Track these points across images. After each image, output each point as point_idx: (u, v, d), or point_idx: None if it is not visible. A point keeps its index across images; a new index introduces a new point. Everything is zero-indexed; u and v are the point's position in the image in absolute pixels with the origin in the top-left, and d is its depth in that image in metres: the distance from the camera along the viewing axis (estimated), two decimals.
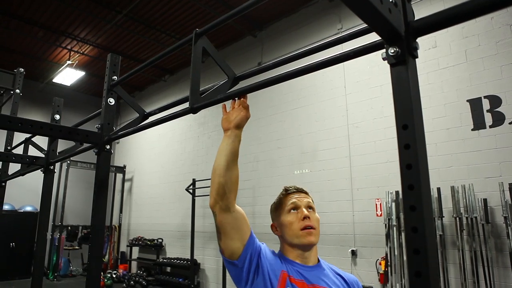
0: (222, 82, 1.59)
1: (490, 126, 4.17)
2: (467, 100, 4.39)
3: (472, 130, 4.30)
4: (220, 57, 1.60)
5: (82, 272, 9.36)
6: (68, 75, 8.87)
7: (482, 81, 4.31)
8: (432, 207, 0.90)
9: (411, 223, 0.85)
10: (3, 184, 4.09)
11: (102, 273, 7.68)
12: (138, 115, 2.24)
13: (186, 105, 1.58)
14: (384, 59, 1.04)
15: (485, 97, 4.25)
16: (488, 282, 3.79)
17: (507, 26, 4.25)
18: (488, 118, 4.20)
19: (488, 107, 4.21)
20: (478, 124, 4.26)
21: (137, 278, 8.11)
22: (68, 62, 8.28)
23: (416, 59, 1.00)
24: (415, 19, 1.01)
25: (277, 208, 1.36)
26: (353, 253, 5.08)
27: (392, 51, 0.99)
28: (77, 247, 9.65)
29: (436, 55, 4.73)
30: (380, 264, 4.66)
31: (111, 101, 2.28)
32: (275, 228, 1.36)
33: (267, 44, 7.20)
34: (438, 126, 4.51)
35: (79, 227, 9.77)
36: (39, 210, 3.18)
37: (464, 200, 4.10)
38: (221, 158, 1.25)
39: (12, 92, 4.16)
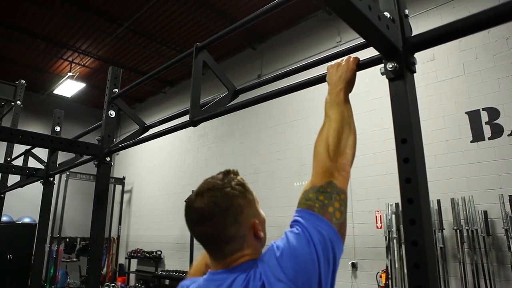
0: (223, 95, 1.61)
1: (489, 138, 4.18)
2: (466, 112, 4.41)
3: (471, 142, 4.31)
4: (220, 70, 1.62)
5: (80, 284, 9.25)
6: (69, 87, 8.92)
7: (480, 93, 4.34)
8: (432, 220, 0.90)
9: (411, 237, 0.85)
10: (2, 195, 4.08)
11: (100, 286, 7.60)
12: (138, 127, 2.26)
13: (186, 117, 1.59)
14: (382, 73, 1.06)
15: (483, 109, 4.28)
16: None
17: (504, 40, 4.30)
18: (487, 130, 4.21)
19: (487, 119, 4.23)
20: (477, 136, 4.27)
21: None
22: (69, 74, 8.33)
23: (414, 73, 1.02)
24: (413, 34, 1.03)
25: (252, 198, 0.98)
26: (354, 265, 5.04)
27: (390, 66, 1.01)
28: (75, 259, 9.56)
29: (434, 67, 4.77)
30: (380, 277, 4.61)
31: (112, 113, 2.30)
32: (258, 228, 0.94)
33: (267, 57, 7.27)
34: (437, 138, 4.53)
35: (77, 239, 9.69)
36: (37, 221, 3.16)
37: (464, 212, 4.09)
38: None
39: (13, 103, 4.18)
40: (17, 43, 7.58)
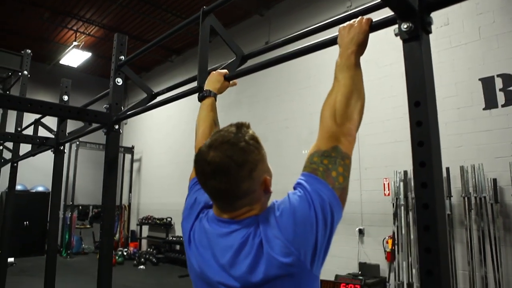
0: (231, 60, 1.58)
1: (502, 106, 4.09)
2: (479, 79, 4.30)
3: (484, 109, 4.23)
4: (228, 36, 1.58)
5: (94, 249, 9.60)
6: (75, 57, 8.87)
7: (495, 59, 4.21)
8: (443, 184, 0.90)
9: (422, 200, 0.85)
10: (15, 164, 4.17)
11: (113, 251, 7.88)
12: (145, 95, 2.25)
13: (194, 84, 1.57)
14: (396, 35, 1.02)
15: (498, 75, 4.16)
16: (495, 260, 3.80)
17: None
18: (501, 97, 4.12)
19: (501, 86, 4.12)
20: (490, 103, 4.18)
21: (147, 256, 8.31)
22: (75, 43, 8.25)
23: (430, 33, 0.98)
24: None
25: (265, 153, 0.97)
26: (361, 231, 5.12)
27: (405, 26, 0.97)
28: (88, 226, 9.88)
29: (448, 32, 4.61)
30: (387, 242, 4.69)
31: (119, 81, 2.28)
32: (269, 184, 0.95)
33: (275, 23, 7.08)
34: (448, 105, 4.44)
35: (89, 206, 9.97)
36: (50, 190, 3.24)
37: (473, 180, 4.08)
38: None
39: (20, 74, 4.18)
40: (21, 13, 7.47)
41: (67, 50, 8.61)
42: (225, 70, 1.47)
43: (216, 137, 0.93)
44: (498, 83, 4.14)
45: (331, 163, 0.89)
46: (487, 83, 4.22)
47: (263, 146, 0.96)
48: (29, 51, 4.21)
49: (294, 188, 0.91)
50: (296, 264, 0.81)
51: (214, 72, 1.50)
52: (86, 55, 8.83)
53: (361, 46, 1.06)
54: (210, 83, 1.46)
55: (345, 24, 1.12)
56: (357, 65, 1.03)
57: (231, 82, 1.52)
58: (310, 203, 0.85)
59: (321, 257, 0.86)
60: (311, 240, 0.83)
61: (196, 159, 0.93)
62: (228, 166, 0.87)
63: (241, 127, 0.95)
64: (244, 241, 0.87)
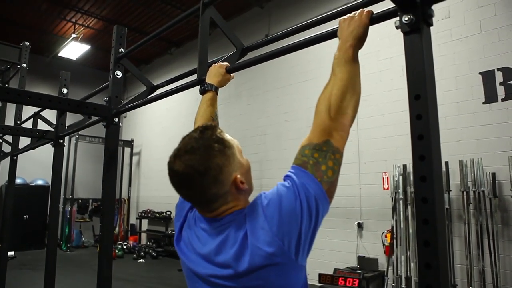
0: (230, 53, 1.57)
1: (503, 100, 4.09)
2: (480, 73, 4.28)
3: (484, 103, 4.22)
4: (228, 28, 1.57)
5: (94, 243, 9.63)
6: (73, 49, 8.82)
7: (496, 52, 4.19)
8: (442, 178, 0.90)
9: (421, 194, 0.85)
10: (15, 158, 4.16)
11: (113, 245, 7.91)
12: (145, 89, 2.24)
13: (193, 77, 1.56)
14: (397, 27, 1.01)
15: (498, 69, 4.15)
16: (492, 254, 3.82)
17: None
18: (501, 91, 4.11)
19: (501, 80, 4.11)
20: (490, 97, 4.17)
21: (147, 249, 8.35)
22: (73, 35, 8.20)
23: (431, 26, 0.97)
24: None
25: (232, 152, 0.95)
26: (359, 225, 5.14)
27: (406, 18, 0.96)
28: (88, 219, 9.91)
29: (448, 25, 4.59)
30: (385, 236, 4.71)
31: (118, 73, 2.27)
32: (240, 182, 0.94)
33: (275, 16, 7.04)
34: (448, 99, 4.44)
35: (89, 200, 9.99)
36: (50, 183, 3.24)
37: (472, 174, 4.09)
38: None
39: (18, 66, 4.15)
40: (19, 4, 7.42)
41: (66, 43, 8.56)
42: (226, 63, 1.46)
43: (180, 146, 0.95)
44: (499, 77, 4.13)
45: (321, 156, 0.90)
46: (488, 77, 4.21)
47: (231, 143, 0.96)
48: (28, 43, 4.18)
49: (284, 180, 0.93)
50: (279, 254, 0.83)
51: (215, 64, 1.49)
52: (85, 48, 8.78)
53: (360, 40, 1.05)
54: (212, 76, 1.46)
55: (345, 17, 1.11)
56: (354, 59, 1.02)
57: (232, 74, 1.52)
58: (297, 195, 0.86)
59: (306, 249, 0.87)
60: (295, 231, 0.84)
61: (167, 168, 0.96)
62: (191, 176, 0.89)
63: (204, 131, 0.96)
64: (226, 236, 0.90)
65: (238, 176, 0.93)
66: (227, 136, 0.97)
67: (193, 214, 1.05)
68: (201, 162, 0.89)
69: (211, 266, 0.91)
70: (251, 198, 0.99)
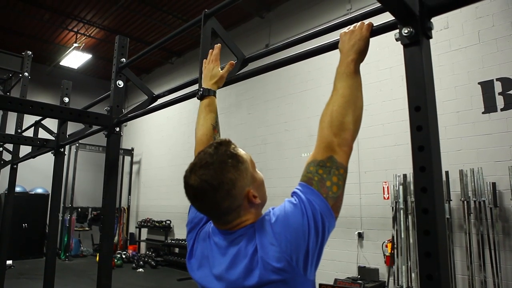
0: None
1: (502, 109, 4.10)
2: (479, 83, 4.31)
3: (483, 113, 4.24)
4: (229, 38, 1.59)
5: (93, 252, 9.57)
6: (75, 58, 8.89)
7: (494, 63, 4.22)
8: (443, 189, 0.90)
9: (422, 205, 0.85)
10: (15, 166, 4.16)
11: (112, 254, 7.86)
12: (145, 98, 2.25)
13: (195, 87, 1.58)
14: (397, 39, 1.02)
15: (497, 79, 4.17)
16: (494, 265, 3.80)
17: None
18: (500, 101, 4.13)
19: (500, 90, 4.13)
20: (489, 107, 4.19)
21: (146, 259, 8.29)
22: (75, 44, 8.26)
23: (431, 38, 0.99)
24: None
25: (245, 166, 0.98)
26: (360, 235, 5.12)
27: (406, 31, 0.97)
28: (87, 228, 9.85)
29: (447, 36, 4.63)
30: (386, 246, 4.69)
31: (120, 83, 2.29)
32: (253, 196, 0.96)
33: (275, 26, 7.10)
34: (448, 109, 4.45)
35: (88, 208, 9.95)
36: (49, 192, 3.24)
37: (473, 184, 4.08)
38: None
39: (20, 75, 4.18)
40: (22, 13, 7.49)
41: (67, 52, 8.62)
42: (217, 59, 1.43)
43: (196, 160, 0.97)
44: (498, 87, 4.16)
45: (325, 172, 0.92)
46: (487, 87, 4.24)
47: (244, 158, 0.99)
48: (30, 52, 4.21)
49: (291, 196, 0.94)
50: (288, 270, 0.85)
51: (208, 63, 1.45)
52: (86, 57, 8.85)
53: (362, 54, 1.06)
54: (207, 79, 1.43)
55: (346, 29, 1.12)
56: (356, 72, 1.03)
57: (226, 65, 1.47)
58: (303, 212, 0.87)
59: (314, 263, 0.89)
60: (303, 248, 0.86)
61: (184, 182, 0.98)
62: (205, 190, 0.92)
63: (218, 146, 0.98)
64: (238, 250, 0.92)
65: (251, 190, 0.96)
66: (241, 151, 1.00)
67: (208, 228, 1.07)
68: (215, 177, 0.91)
69: (222, 283, 0.94)
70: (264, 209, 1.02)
